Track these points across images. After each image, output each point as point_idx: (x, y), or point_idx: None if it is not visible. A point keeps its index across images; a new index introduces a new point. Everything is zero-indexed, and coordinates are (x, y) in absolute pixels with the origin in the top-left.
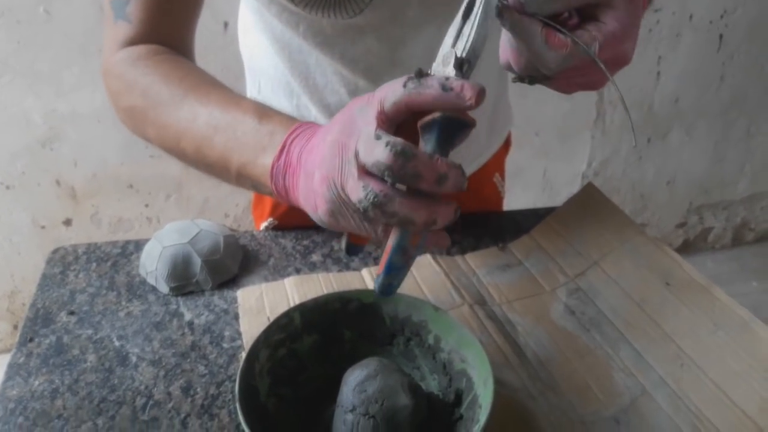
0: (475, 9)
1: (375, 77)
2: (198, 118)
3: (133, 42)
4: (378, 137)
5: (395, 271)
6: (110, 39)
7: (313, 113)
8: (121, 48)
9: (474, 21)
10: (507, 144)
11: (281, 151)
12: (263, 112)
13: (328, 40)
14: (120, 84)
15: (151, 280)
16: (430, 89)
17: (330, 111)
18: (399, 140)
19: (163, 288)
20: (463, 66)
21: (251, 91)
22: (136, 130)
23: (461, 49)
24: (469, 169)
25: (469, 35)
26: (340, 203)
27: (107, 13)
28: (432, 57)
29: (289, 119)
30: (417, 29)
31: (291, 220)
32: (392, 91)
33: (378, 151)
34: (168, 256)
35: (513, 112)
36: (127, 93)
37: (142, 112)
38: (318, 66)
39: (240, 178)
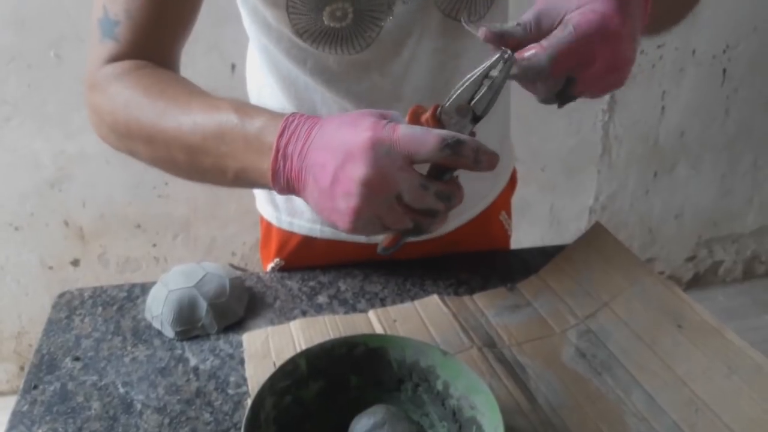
0: (498, 74)
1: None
2: (182, 127)
3: (118, 59)
4: (426, 188)
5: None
6: (95, 56)
7: None
8: (105, 64)
9: (496, 85)
10: (513, 182)
11: (277, 153)
12: (243, 111)
13: (334, 77)
14: (101, 100)
15: (156, 325)
16: (465, 158)
17: None
18: (444, 189)
19: (169, 332)
20: (478, 121)
21: None
22: (120, 146)
23: (480, 109)
24: (476, 209)
25: (491, 98)
26: (367, 225)
27: (94, 32)
28: (432, 89)
29: (270, 116)
30: (419, 63)
31: (298, 260)
32: (426, 149)
33: (429, 201)
34: (174, 300)
35: (519, 148)
36: (107, 110)
37: (125, 128)
38: (324, 103)
39: (237, 181)
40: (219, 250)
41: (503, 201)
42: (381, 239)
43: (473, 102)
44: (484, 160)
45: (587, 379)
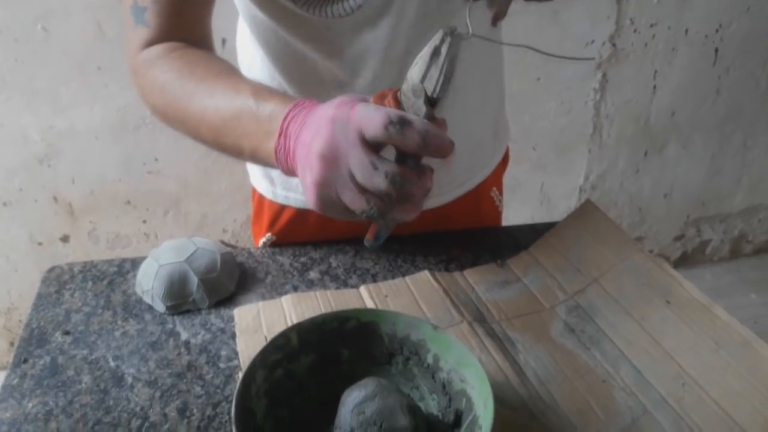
0: (443, 53)
1: (373, 78)
2: (207, 110)
3: (152, 43)
4: (375, 167)
5: (383, 238)
6: (132, 42)
7: None
8: (142, 50)
9: (442, 64)
10: (505, 159)
11: (280, 135)
12: (260, 95)
13: (325, 41)
14: (144, 84)
15: (147, 299)
16: (411, 141)
17: None
18: (396, 171)
19: (160, 307)
20: (434, 104)
21: None
22: (167, 124)
23: (431, 89)
24: (469, 185)
25: (439, 77)
26: (331, 203)
27: (128, 19)
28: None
29: (284, 99)
30: (410, 25)
31: (290, 235)
32: (372, 127)
33: (377, 180)
34: (164, 274)
35: (511, 126)
36: (150, 93)
37: (163, 110)
38: (314, 73)
39: (254, 159)
40: (209, 227)
41: (495, 178)
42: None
43: (424, 82)
44: (433, 144)
45: (576, 353)
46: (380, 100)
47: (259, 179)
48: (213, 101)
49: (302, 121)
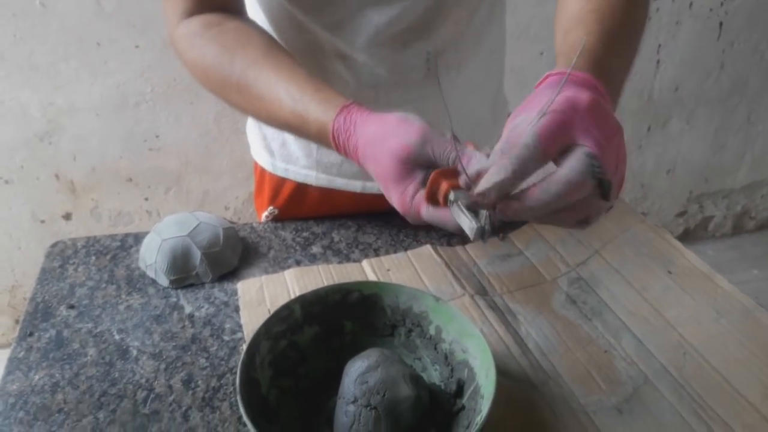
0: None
1: (371, 54)
2: (262, 98)
3: (190, 12)
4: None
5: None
6: (170, 11)
7: None
8: (180, 19)
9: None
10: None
11: (337, 148)
12: (299, 110)
13: (325, 17)
14: (187, 63)
15: (150, 273)
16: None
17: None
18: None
19: (163, 281)
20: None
21: None
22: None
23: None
24: None
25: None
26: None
27: None
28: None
29: (322, 112)
30: (425, 8)
31: (292, 209)
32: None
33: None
34: (167, 248)
35: (514, 102)
36: (195, 73)
37: (214, 92)
38: (315, 42)
39: (309, 136)
40: (211, 204)
41: None
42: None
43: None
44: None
45: (577, 324)
46: (432, 196)
47: (259, 150)
48: (261, 104)
49: (365, 117)
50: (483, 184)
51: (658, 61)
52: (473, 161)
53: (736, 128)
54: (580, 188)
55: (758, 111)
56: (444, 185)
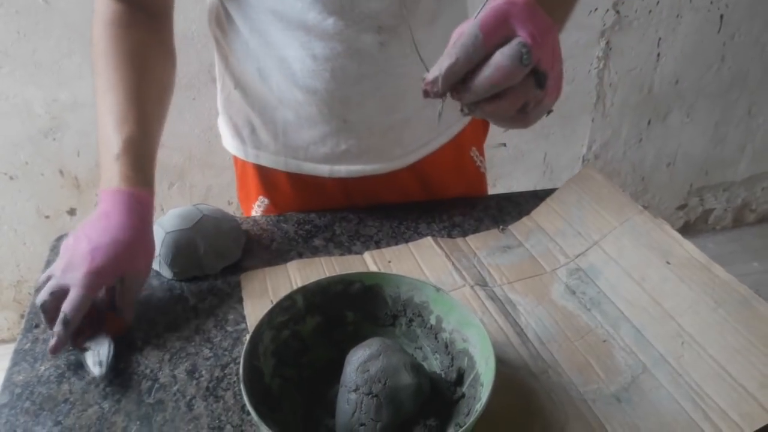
0: None
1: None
2: (101, 118)
3: None
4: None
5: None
6: None
7: (274, 72)
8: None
9: None
10: (486, 122)
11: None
12: (106, 161)
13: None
14: (92, 34)
15: (154, 266)
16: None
17: (290, 69)
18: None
19: (167, 273)
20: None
21: (219, 63)
22: None
23: None
24: (442, 139)
25: None
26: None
27: None
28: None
29: (115, 175)
30: None
31: (284, 199)
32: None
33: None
34: (171, 241)
35: None
36: (93, 56)
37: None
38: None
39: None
40: (214, 199)
41: (473, 136)
42: None
43: None
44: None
45: (576, 315)
46: None
47: (231, 140)
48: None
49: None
50: (433, 72)
51: (658, 55)
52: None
53: (736, 121)
54: (513, 72)
55: (759, 104)
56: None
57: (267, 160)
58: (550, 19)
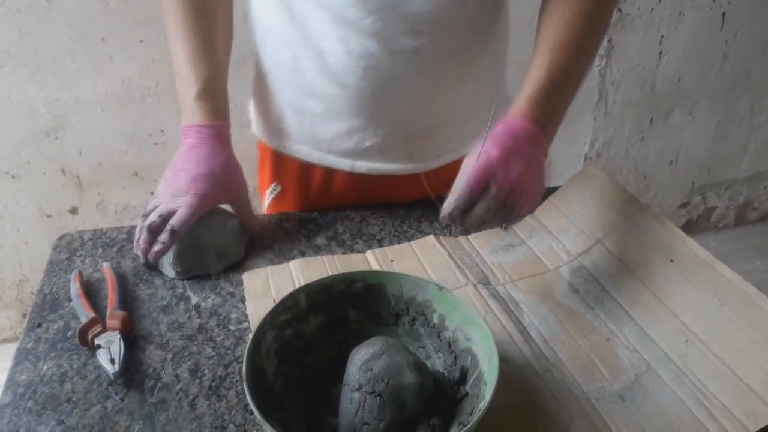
0: None
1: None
2: (175, 57)
3: None
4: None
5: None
6: None
7: (308, 63)
8: None
9: None
10: None
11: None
12: (184, 91)
13: None
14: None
15: (157, 265)
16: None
17: (324, 61)
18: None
19: (170, 272)
20: None
21: (259, 43)
22: None
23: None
24: (468, 148)
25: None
26: None
27: None
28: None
29: (194, 113)
30: None
31: (294, 187)
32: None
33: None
34: None
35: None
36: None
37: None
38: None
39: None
40: None
41: None
42: None
43: None
44: None
45: (580, 313)
46: None
47: (259, 125)
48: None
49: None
50: (446, 209)
51: (660, 53)
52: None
53: (738, 119)
54: (487, 215)
55: (761, 102)
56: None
57: (290, 149)
58: (529, 167)
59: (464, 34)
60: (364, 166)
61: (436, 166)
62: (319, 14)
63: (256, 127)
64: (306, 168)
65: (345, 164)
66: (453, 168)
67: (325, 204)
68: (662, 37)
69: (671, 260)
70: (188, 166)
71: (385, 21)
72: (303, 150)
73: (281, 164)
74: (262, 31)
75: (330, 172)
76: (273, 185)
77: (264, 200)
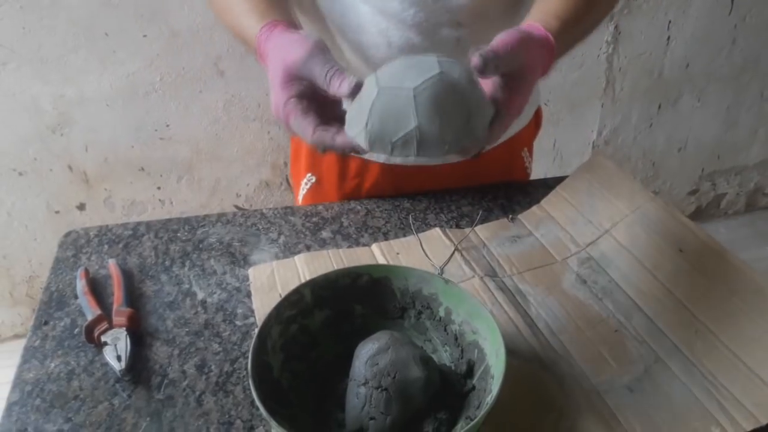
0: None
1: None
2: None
3: None
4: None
5: None
6: None
7: (347, 53)
8: None
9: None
10: (537, 121)
11: (263, 28)
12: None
13: None
14: None
15: (349, 132)
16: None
17: (363, 53)
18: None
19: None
20: None
21: None
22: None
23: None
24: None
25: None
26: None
27: None
28: None
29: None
30: None
31: (329, 179)
32: (306, 136)
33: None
34: (381, 105)
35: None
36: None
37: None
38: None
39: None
40: (223, 192)
41: (527, 138)
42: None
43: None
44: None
45: (588, 304)
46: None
47: None
48: (226, 15)
49: (266, 47)
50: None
51: (668, 38)
52: (344, 84)
53: (748, 104)
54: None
55: None
56: None
57: None
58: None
59: (502, 23)
60: (398, 158)
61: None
62: (361, 7)
63: None
64: (341, 159)
65: (379, 156)
66: (487, 156)
67: (360, 194)
68: (670, 22)
69: (680, 250)
70: (279, 55)
71: (427, 13)
72: None
73: (316, 155)
74: (299, 22)
75: (365, 163)
76: (308, 176)
77: (299, 191)
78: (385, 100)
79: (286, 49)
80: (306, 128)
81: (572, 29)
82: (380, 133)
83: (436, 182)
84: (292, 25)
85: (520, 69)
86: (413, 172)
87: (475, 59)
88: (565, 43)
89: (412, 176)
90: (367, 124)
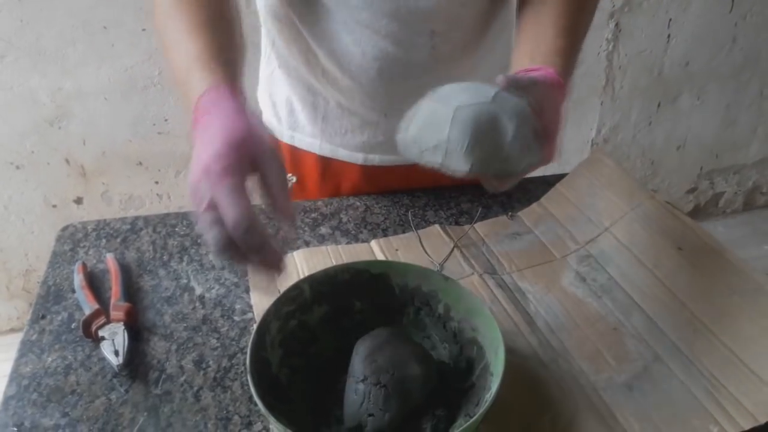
0: None
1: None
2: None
3: None
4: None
5: None
6: None
7: (321, 59)
8: None
9: None
10: None
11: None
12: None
13: None
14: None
15: (435, 158)
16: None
17: (338, 60)
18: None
19: (460, 164)
20: None
21: (265, 41)
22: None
23: None
24: None
25: None
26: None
27: None
28: None
29: (201, 81)
30: None
31: (311, 180)
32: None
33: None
34: (467, 118)
35: None
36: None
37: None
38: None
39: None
40: None
41: None
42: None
43: None
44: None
45: (587, 302)
46: None
47: (269, 118)
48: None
49: (202, 123)
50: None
51: (668, 36)
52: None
53: (748, 103)
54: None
55: None
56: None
57: (301, 142)
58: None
59: (476, 31)
60: (376, 158)
61: None
62: (334, 15)
63: (266, 118)
64: (320, 158)
65: (357, 158)
66: None
67: (340, 193)
68: (670, 20)
69: (679, 248)
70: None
71: (400, 23)
72: (315, 144)
73: (296, 155)
74: (272, 29)
75: (341, 165)
76: (288, 176)
77: None
78: (430, 112)
79: (231, 118)
80: (238, 202)
81: (573, 57)
82: (416, 139)
83: (419, 180)
84: (237, 88)
85: (551, 121)
86: (393, 172)
87: (499, 78)
88: (571, 72)
89: (392, 175)
90: (408, 129)
